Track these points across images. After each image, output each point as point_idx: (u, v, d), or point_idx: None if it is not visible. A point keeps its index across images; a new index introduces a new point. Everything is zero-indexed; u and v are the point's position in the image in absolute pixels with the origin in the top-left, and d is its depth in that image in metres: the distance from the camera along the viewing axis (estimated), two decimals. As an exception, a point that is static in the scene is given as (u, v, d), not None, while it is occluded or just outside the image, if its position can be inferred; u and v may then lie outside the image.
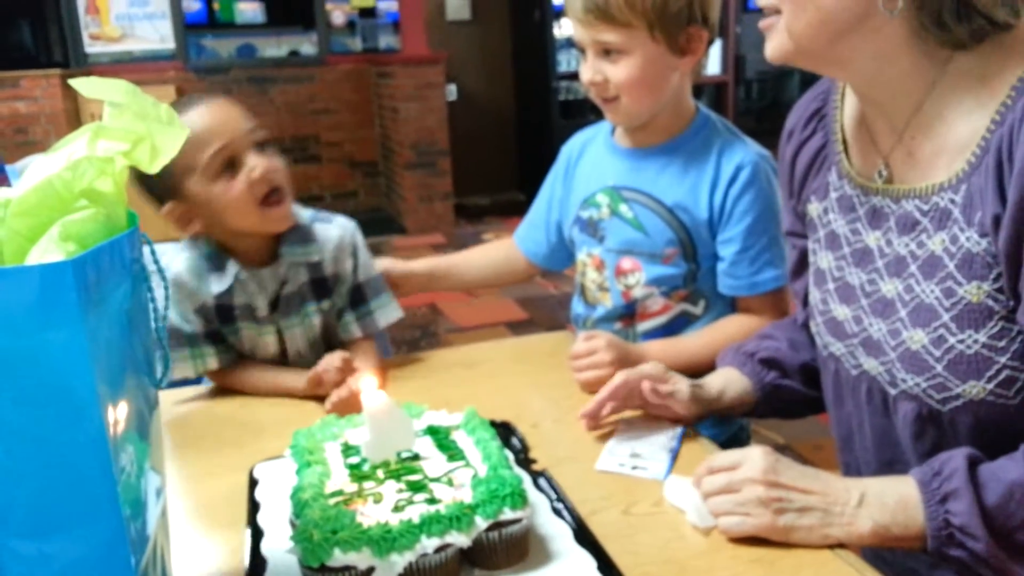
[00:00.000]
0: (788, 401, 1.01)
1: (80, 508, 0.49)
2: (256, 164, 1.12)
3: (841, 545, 0.73)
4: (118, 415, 0.52)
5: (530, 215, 1.43)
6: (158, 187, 1.14)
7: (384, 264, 1.32)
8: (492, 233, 5.64)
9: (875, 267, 0.82)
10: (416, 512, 0.68)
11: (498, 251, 1.48)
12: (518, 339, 1.66)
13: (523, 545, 0.72)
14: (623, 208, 1.23)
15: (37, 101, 5.11)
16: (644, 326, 1.25)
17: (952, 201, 0.74)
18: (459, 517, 0.67)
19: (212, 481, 0.95)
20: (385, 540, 0.65)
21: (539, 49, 6.18)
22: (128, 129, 0.58)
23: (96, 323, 0.49)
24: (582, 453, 0.94)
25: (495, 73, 6.72)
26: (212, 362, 1.18)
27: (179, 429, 1.09)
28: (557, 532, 0.76)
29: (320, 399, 1.12)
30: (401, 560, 0.65)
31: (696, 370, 1.07)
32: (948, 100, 0.74)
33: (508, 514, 0.69)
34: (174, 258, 1.17)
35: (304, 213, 1.23)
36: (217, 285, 1.17)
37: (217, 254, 1.17)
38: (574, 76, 6.27)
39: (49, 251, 0.50)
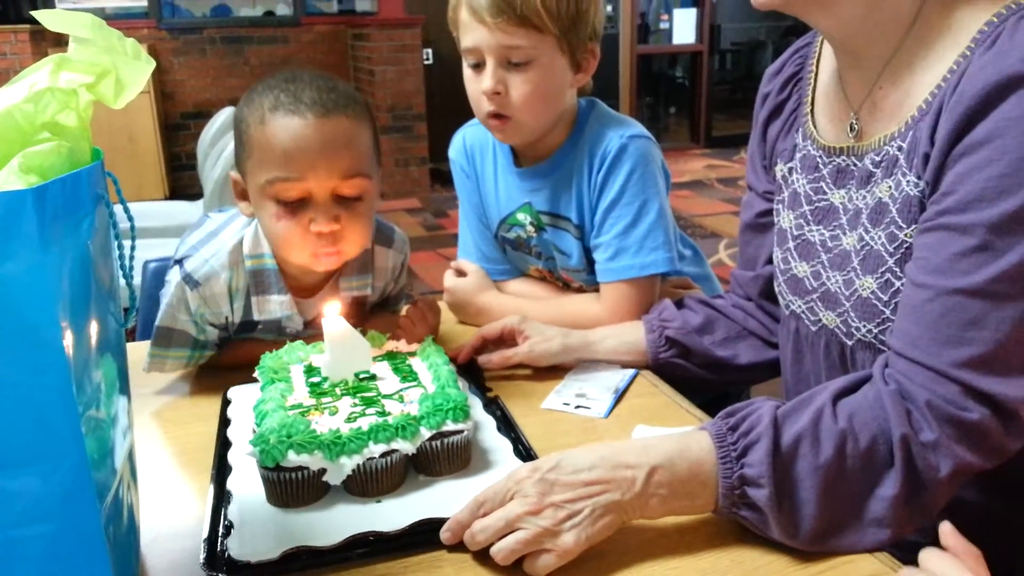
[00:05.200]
0: (679, 376, 1.05)
1: (42, 443, 0.48)
2: (323, 223, 0.91)
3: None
4: (81, 349, 0.51)
5: (469, 236, 1.31)
6: (238, 146, 0.97)
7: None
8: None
9: (839, 223, 0.84)
10: (366, 422, 0.75)
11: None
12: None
13: (465, 454, 0.79)
14: (545, 228, 1.21)
15: (6, 57, 5.05)
16: None
17: (900, 148, 0.76)
18: (405, 427, 0.74)
19: (187, 405, 1.00)
20: (335, 444, 0.71)
21: (516, 13, 6.15)
22: (92, 62, 0.56)
23: (58, 256, 0.48)
24: (541, 391, 1.00)
25: (472, 37, 6.67)
26: (206, 358, 1.06)
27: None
28: (499, 446, 0.83)
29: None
30: (350, 463, 0.72)
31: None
32: (917, 49, 0.76)
33: (450, 426, 0.76)
34: (215, 276, 0.99)
35: None
36: (258, 312, 1.02)
37: (273, 277, 1.01)
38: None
39: (9, 182, 0.48)
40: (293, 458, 0.70)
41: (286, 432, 0.71)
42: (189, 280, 0.98)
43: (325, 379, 0.84)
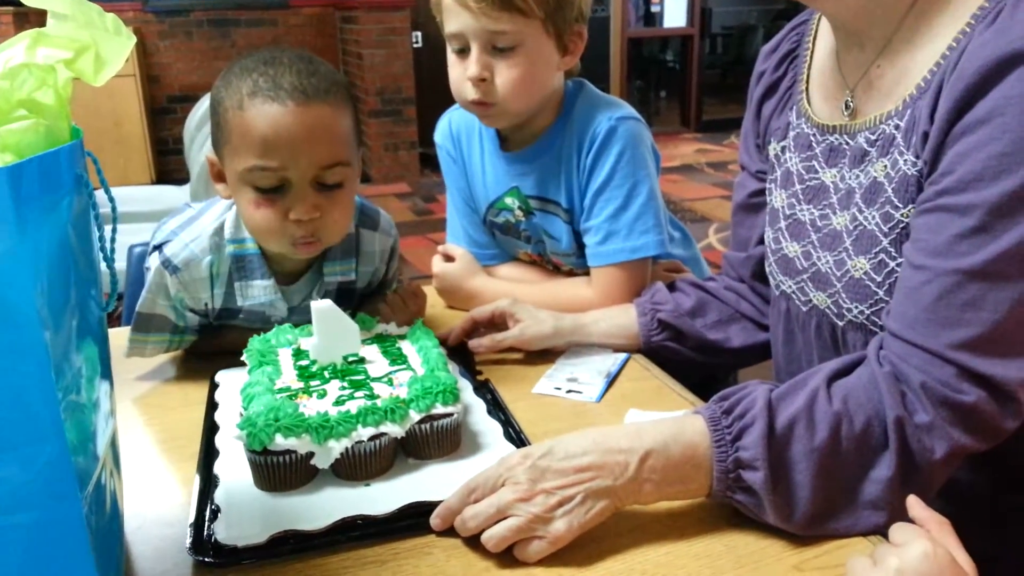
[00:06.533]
0: (671, 359, 1.04)
1: (21, 429, 0.47)
2: (302, 212, 0.89)
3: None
4: (61, 333, 0.50)
5: (457, 220, 1.30)
6: (215, 129, 0.94)
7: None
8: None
9: (829, 202, 0.83)
10: (355, 405, 0.74)
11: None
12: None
13: (454, 438, 0.78)
14: (533, 213, 1.19)
15: (-11, 40, 4.97)
16: None
17: (897, 127, 0.75)
18: (394, 410, 0.73)
19: (172, 391, 0.99)
20: (323, 427, 0.70)
21: (506, -4, 6.11)
22: (71, 37, 0.54)
23: (35, 238, 0.46)
24: (532, 375, 0.99)
25: (462, 20, 6.63)
26: (188, 342, 1.05)
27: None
28: (488, 429, 0.82)
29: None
30: (338, 446, 0.71)
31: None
32: (918, 26, 0.75)
33: (440, 409, 0.75)
34: (196, 261, 0.97)
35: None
36: (242, 298, 1.00)
37: (256, 262, 0.99)
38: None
39: (-17, 161, 0.45)
40: (280, 442, 0.69)
41: (273, 415, 0.69)
42: (168, 265, 0.97)
43: (313, 362, 0.83)
